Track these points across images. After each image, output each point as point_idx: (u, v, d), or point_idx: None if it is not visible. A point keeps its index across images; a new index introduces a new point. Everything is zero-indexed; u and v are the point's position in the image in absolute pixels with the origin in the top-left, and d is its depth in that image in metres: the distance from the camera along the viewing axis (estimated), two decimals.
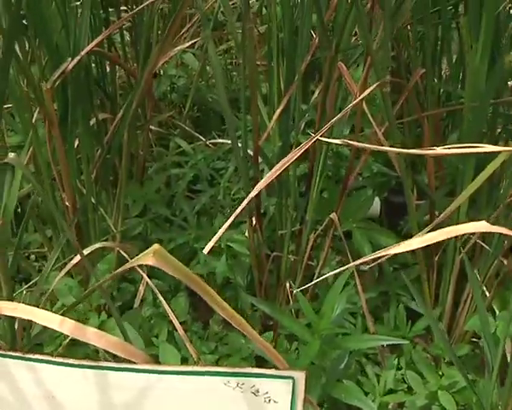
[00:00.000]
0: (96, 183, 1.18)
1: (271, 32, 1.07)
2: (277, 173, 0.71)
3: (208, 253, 1.27)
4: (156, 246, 0.59)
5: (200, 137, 1.49)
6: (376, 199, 1.31)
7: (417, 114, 1.03)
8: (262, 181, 0.71)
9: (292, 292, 1.20)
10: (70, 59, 0.96)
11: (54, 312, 0.73)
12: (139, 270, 1.20)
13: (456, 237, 1.11)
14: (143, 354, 0.70)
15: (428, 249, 1.21)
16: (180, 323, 1.28)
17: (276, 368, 0.70)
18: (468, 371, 1.13)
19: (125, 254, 1.11)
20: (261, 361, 1.16)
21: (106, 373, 0.71)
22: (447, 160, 1.17)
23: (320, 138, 0.74)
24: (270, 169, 1.14)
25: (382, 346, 1.18)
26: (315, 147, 1.12)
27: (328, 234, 1.13)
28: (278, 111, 1.05)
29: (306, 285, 1.09)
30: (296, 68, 0.99)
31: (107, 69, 1.32)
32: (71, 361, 0.71)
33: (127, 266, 0.62)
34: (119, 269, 0.64)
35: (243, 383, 0.70)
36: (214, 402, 0.72)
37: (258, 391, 0.71)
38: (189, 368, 0.70)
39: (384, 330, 1.17)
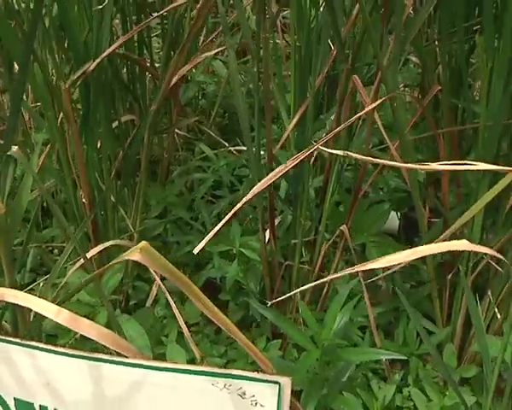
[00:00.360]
0: (116, 182, 1.22)
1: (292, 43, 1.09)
2: (274, 179, 0.72)
3: (224, 258, 1.30)
4: (143, 243, 0.61)
5: (225, 144, 1.52)
6: (393, 214, 1.31)
7: (433, 131, 1.03)
8: (258, 185, 0.72)
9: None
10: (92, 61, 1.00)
11: (66, 305, 0.76)
12: (152, 270, 1.23)
13: (468, 257, 1.11)
14: (134, 348, 0.72)
15: (441, 268, 1.21)
16: (192, 325, 1.32)
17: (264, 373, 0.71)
18: (476, 393, 1.12)
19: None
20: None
21: (99, 365, 0.73)
22: (464, 179, 1.17)
23: (320, 147, 0.75)
24: (285, 178, 1.16)
25: (391, 362, 1.18)
26: (331, 159, 1.13)
27: (339, 246, 1.13)
28: (294, 121, 1.06)
29: (317, 296, 1.11)
30: (311, 80, 1.01)
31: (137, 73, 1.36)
32: (66, 351, 0.74)
33: (115, 261, 0.64)
34: (110, 264, 0.66)
35: (230, 385, 0.71)
36: (202, 401, 0.73)
37: (244, 394, 0.72)
38: (179, 366, 0.72)
39: (392, 345, 1.16)
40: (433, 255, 1.17)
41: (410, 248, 1.29)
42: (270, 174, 0.73)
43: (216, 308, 0.66)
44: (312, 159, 1.30)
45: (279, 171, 0.74)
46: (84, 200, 1.10)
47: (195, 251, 0.72)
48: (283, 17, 1.65)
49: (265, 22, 0.92)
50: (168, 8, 1.02)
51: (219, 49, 1.33)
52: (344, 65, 0.99)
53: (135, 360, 0.71)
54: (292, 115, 1.09)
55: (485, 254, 1.10)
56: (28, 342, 0.75)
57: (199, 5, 0.96)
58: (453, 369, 1.13)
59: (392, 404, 1.11)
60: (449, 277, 1.18)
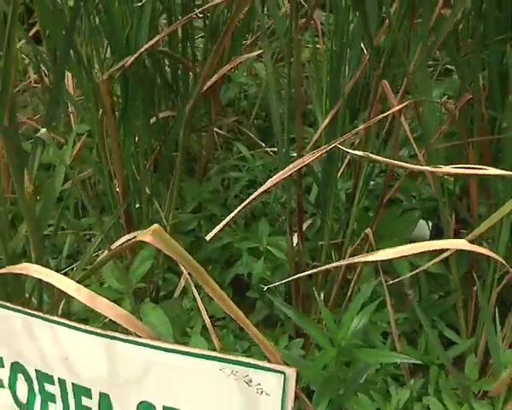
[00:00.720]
0: (152, 175, 1.26)
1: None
2: (279, 179, 0.74)
3: (253, 256, 1.33)
4: (156, 226, 0.63)
5: (262, 144, 1.54)
6: (422, 222, 1.31)
7: (463, 140, 1.03)
8: (276, 175, 0.74)
9: (326, 303, 1.22)
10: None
11: (95, 288, 0.80)
12: (180, 263, 1.26)
13: (494, 268, 1.10)
14: (148, 329, 0.75)
15: (467, 279, 1.20)
16: (219, 319, 1.35)
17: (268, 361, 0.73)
18: (495, 407, 1.11)
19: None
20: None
21: (114, 343, 0.76)
22: (495, 189, 1.16)
23: (338, 146, 0.77)
24: (314, 178, 1.18)
25: (413, 370, 1.18)
26: (360, 164, 1.15)
27: (364, 249, 1.14)
28: (324, 123, 1.08)
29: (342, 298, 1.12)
30: (342, 83, 1.02)
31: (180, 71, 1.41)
32: (84, 327, 0.77)
33: (122, 240, 0.67)
34: (119, 245, 0.69)
35: (237, 372, 0.73)
36: (209, 385, 0.75)
37: (251, 381, 0.74)
38: (189, 349, 0.75)
39: (413, 352, 1.16)
40: (459, 266, 1.16)
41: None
42: (288, 167, 0.75)
43: (225, 295, 0.68)
44: (344, 164, 1.32)
45: (297, 164, 0.76)
46: (117, 189, 1.14)
47: (208, 237, 0.74)
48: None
49: (298, 26, 0.94)
50: (207, 5, 1.05)
51: (260, 51, 1.35)
52: (376, 70, 1.00)
53: (147, 340, 0.74)
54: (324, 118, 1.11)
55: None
56: (49, 317, 0.79)
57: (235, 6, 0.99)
58: (473, 381, 1.12)
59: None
60: (475, 288, 1.17)
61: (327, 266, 0.73)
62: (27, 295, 0.96)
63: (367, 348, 1.03)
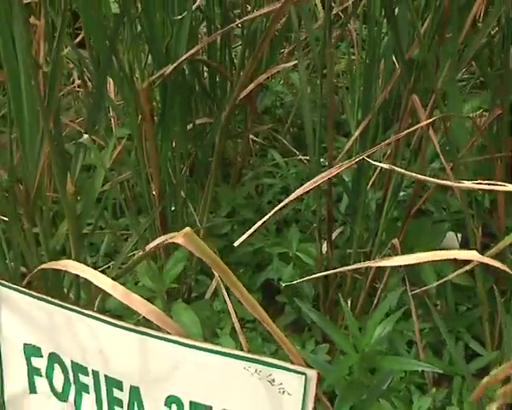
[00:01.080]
0: (187, 180, 1.30)
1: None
2: (309, 188, 0.77)
3: (284, 261, 1.36)
4: (188, 229, 0.67)
5: (296, 152, 1.57)
6: (451, 233, 1.33)
7: (491, 155, 1.05)
8: (306, 185, 0.77)
9: (353, 310, 1.25)
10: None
11: (129, 287, 0.84)
12: (209, 265, 1.30)
13: None
14: (178, 327, 0.79)
15: (493, 291, 1.21)
16: (248, 322, 1.38)
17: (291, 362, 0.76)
18: None
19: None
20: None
21: (145, 339, 0.80)
22: None
23: (365, 158, 0.79)
24: (344, 189, 1.21)
25: (437, 380, 1.20)
26: (390, 175, 1.17)
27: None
28: (355, 134, 1.11)
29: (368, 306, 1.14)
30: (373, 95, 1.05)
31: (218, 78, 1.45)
32: (119, 323, 0.81)
33: (156, 242, 0.71)
34: (152, 245, 0.73)
35: (261, 371, 0.77)
36: (234, 383, 0.79)
37: (273, 381, 0.77)
38: (216, 347, 0.78)
39: (437, 362, 1.18)
40: (486, 278, 1.18)
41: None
42: (317, 177, 0.78)
43: (250, 296, 0.71)
44: (375, 174, 1.34)
45: (326, 174, 0.79)
46: (153, 192, 1.18)
47: (238, 242, 0.78)
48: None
49: (331, 38, 0.97)
50: (246, 18, 1.09)
51: (296, 61, 1.38)
52: (406, 84, 1.03)
53: (177, 337, 0.78)
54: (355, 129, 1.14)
55: None
56: (87, 311, 0.83)
57: (271, 17, 1.02)
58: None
59: None
60: (502, 300, 1.18)
61: (347, 268, 0.75)
62: (66, 291, 1.01)
63: (390, 356, 1.05)
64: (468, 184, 0.70)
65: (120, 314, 1.24)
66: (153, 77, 1.05)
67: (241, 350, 1.23)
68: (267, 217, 0.77)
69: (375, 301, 1.23)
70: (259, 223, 0.77)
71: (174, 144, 1.26)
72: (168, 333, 0.79)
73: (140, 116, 1.19)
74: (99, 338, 0.84)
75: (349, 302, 1.24)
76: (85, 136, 0.76)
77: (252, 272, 1.42)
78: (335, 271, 0.77)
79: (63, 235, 0.98)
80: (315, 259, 1.24)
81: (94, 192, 0.94)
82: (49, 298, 0.85)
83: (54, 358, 0.89)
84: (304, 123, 1.77)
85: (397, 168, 0.78)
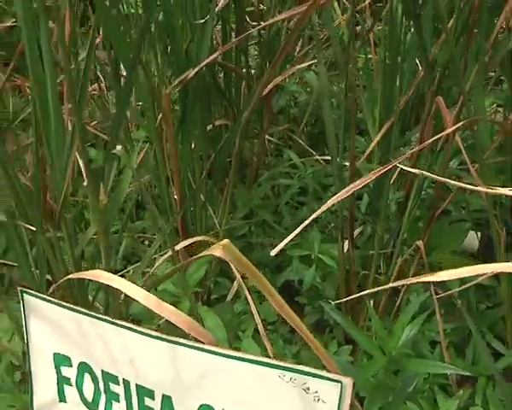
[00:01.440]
0: (207, 182, 1.30)
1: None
2: (346, 195, 0.76)
3: (302, 262, 1.36)
4: (226, 241, 0.67)
5: (312, 152, 1.57)
6: (473, 233, 1.32)
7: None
8: (338, 194, 0.77)
9: (377, 311, 1.24)
10: (192, 69, 1.08)
11: (152, 292, 0.84)
12: (233, 267, 1.30)
13: None
14: (211, 336, 0.79)
15: None
16: (269, 324, 1.38)
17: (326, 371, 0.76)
18: None
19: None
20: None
21: (177, 348, 0.80)
22: None
23: (398, 165, 0.79)
24: (366, 191, 1.20)
25: (460, 380, 1.20)
26: (412, 176, 1.17)
27: (415, 260, 1.16)
28: (378, 136, 1.10)
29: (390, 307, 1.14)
30: (397, 96, 1.04)
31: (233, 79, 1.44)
32: (150, 332, 0.81)
33: (200, 255, 0.70)
34: (194, 257, 0.73)
35: (295, 379, 0.76)
36: (268, 391, 0.78)
37: (308, 389, 0.77)
38: (249, 356, 0.78)
39: (461, 363, 1.18)
40: (509, 279, 1.17)
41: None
42: (350, 185, 0.78)
43: (290, 309, 0.72)
44: (395, 174, 1.34)
45: (359, 183, 0.79)
46: (175, 196, 1.18)
47: (273, 253, 0.77)
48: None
49: (354, 41, 0.97)
50: (265, 23, 1.08)
51: (312, 61, 1.38)
52: (430, 86, 1.02)
53: (210, 346, 0.78)
54: (377, 130, 1.13)
55: None
56: (118, 321, 0.83)
57: (294, 21, 1.02)
58: None
59: None
60: None
61: (385, 287, 0.75)
62: (91, 298, 1.01)
63: (416, 358, 1.05)
64: (502, 190, 0.69)
65: (140, 319, 1.25)
66: (175, 82, 1.04)
67: (266, 353, 1.24)
68: (306, 222, 0.76)
69: (397, 303, 1.23)
70: (297, 230, 0.76)
71: (193, 147, 1.25)
72: (200, 342, 0.79)
73: (159, 118, 1.19)
74: (130, 348, 0.84)
75: (371, 303, 1.23)
76: (118, 147, 0.76)
77: (271, 273, 1.42)
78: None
79: (87, 241, 0.98)
80: (337, 260, 1.24)
81: (120, 196, 0.94)
82: (79, 308, 0.85)
83: (84, 367, 0.89)
84: (320, 123, 1.77)
85: (427, 173, 0.78)
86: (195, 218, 1.31)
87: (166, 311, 0.77)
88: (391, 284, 0.70)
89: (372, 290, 0.74)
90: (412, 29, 1.09)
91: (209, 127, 1.30)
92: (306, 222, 0.75)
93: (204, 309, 1.19)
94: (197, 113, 1.18)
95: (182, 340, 0.79)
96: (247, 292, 1.12)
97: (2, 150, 0.84)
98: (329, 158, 1.57)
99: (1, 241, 1.32)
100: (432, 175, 0.77)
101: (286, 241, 0.76)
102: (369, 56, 1.48)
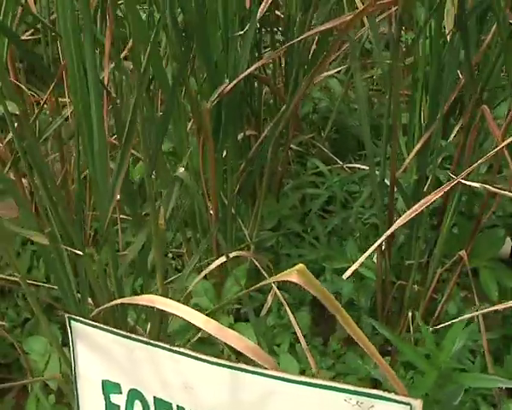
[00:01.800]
0: (237, 195, 1.27)
1: (418, 65, 1.13)
2: (414, 214, 0.74)
3: (334, 272, 1.34)
4: (301, 266, 0.65)
5: (338, 160, 1.55)
6: (508, 239, 1.31)
7: None
8: (399, 220, 0.75)
9: (413, 321, 1.23)
10: (227, 81, 1.05)
11: None
12: (271, 282, 1.28)
13: None
14: (272, 360, 0.76)
15: None
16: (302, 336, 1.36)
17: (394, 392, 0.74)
18: None
19: (258, 265, 1.18)
20: (376, 384, 1.20)
21: (238, 373, 0.78)
22: None
23: (461, 181, 0.77)
24: (405, 200, 1.18)
25: (500, 389, 1.18)
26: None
27: (456, 270, 1.14)
28: (418, 145, 1.08)
29: (429, 317, 1.12)
30: (440, 105, 1.02)
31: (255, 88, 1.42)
32: (206, 357, 0.79)
33: (272, 279, 0.68)
34: (263, 282, 0.70)
35: (362, 403, 0.74)
36: None
37: None
38: (314, 380, 0.76)
39: (502, 372, 1.16)
40: None
41: None
42: (421, 202, 0.76)
43: (359, 330, 0.69)
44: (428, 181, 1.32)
45: (429, 199, 0.77)
46: (211, 211, 1.15)
47: (345, 276, 0.75)
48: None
49: (398, 48, 0.95)
50: (306, 34, 1.06)
51: (339, 68, 1.36)
52: (472, 94, 1.01)
53: (274, 371, 0.76)
54: (416, 138, 1.11)
55: None
56: (174, 348, 0.80)
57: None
58: None
59: None
60: None
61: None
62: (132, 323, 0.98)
63: (465, 373, 1.03)
64: None
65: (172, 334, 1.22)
66: (215, 95, 1.01)
67: (304, 366, 1.22)
68: (381, 240, 0.74)
69: (436, 313, 1.21)
70: (368, 251, 0.74)
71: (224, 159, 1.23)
72: (261, 367, 0.76)
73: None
74: (184, 373, 0.82)
75: (409, 314, 1.22)
76: (181, 169, 0.74)
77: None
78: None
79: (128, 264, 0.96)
80: (374, 271, 1.22)
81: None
82: (131, 334, 0.82)
83: (134, 394, 0.86)
84: (341, 129, 1.75)
85: (492, 188, 0.76)
86: (225, 231, 1.29)
87: (229, 336, 0.75)
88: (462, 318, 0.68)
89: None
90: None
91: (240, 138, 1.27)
92: (376, 244, 0.73)
93: (241, 325, 1.17)
94: (230, 125, 1.15)
95: (244, 366, 0.77)
96: (286, 306, 1.10)
97: (46, 172, 0.82)
98: (354, 166, 1.56)
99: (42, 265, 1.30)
100: (496, 190, 0.75)
101: (357, 264, 0.73)
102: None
